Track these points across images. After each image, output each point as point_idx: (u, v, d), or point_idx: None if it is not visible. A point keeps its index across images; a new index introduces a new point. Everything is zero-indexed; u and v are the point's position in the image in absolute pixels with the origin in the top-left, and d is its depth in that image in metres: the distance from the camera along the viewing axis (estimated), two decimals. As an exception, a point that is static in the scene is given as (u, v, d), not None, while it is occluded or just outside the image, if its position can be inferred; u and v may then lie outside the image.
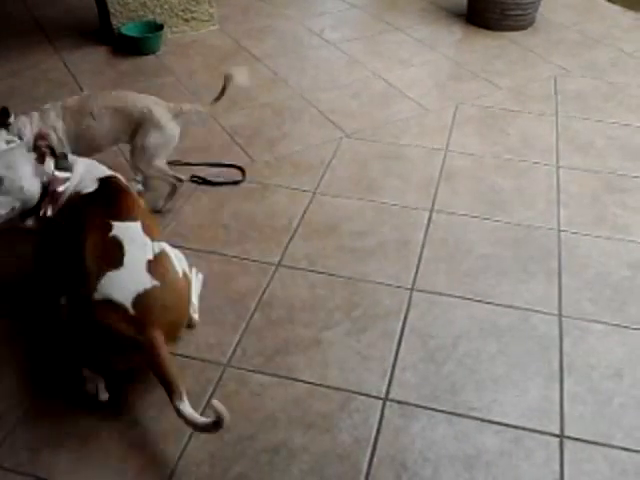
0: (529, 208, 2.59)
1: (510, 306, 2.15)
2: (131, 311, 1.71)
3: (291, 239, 2.45)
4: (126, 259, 1.79)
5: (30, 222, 2.03)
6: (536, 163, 2.86)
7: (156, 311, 1.74)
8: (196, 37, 4.08)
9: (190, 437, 1.76)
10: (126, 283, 1.75)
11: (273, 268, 2.32)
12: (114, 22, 3.93)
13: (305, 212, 2.59)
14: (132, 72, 3.68)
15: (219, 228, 2.51)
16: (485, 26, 4.12)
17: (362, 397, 1.87)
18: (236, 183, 2.76)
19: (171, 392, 1.63)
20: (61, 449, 1.75)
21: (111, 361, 1.80)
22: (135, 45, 3.85)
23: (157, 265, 1.82)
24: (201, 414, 1.70)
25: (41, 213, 1.98)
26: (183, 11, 4.04)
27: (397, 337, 2.05)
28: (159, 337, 1.70)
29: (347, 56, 3.84)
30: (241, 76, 2.58)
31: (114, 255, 1.80)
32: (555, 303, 2.16)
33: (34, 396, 1.89)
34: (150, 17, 3.98)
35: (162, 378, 1.66)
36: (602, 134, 3.06)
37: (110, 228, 1.87)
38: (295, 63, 3.77)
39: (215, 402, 1.56)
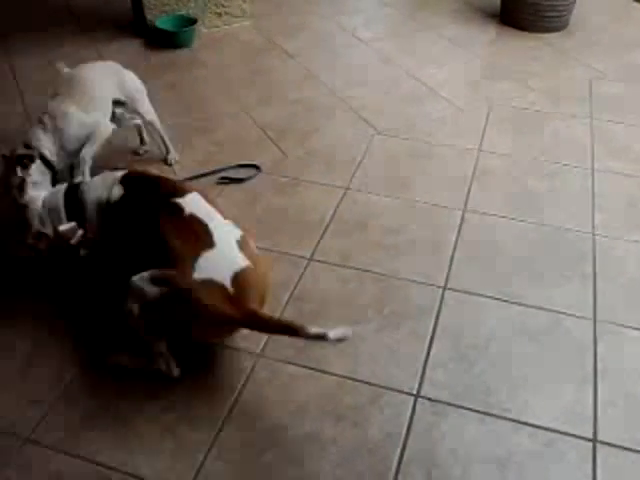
0: (563, 210, 2.57)
1: (543, 308, 2.14)
2: (230, 290, 1.75)
3: (323, 234, 2.46)
4: (216, 238, 1.83)
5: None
6: (570, 166, 2.84)
7: (251, 290, 1.79)
8: (229, 32, 4.09)
9: (223, 424, 1.77)
10: (223, 263, 1.79)
11: (305, 262, 2.33)
12: (148, 15, 3.96)
13: (337, 208, 2.60)
14: (165, 65, 3.71)
15: (252, 222, 2.52)
16: (519, 27, 4.09)
17: (393, 392, 1.86)
18: (242, 180, 2.74)
19: (296, 333, 1.66)
20: (98, 429, 1.77)
21: (206, 337, 1.87)
22: (169, 38, 3.87)
23: (244, 244, 1.87)
24: (233, 405, 1.71)
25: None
26: (216, 6, 4.06)
27: (429, 335, 2.04)
28: (256, 310, 1.78)
29: (379, 54, 3.83)
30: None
31: (199, 237, 1.84)
32: (589, 307, 2.14)
33: (73, 377, 1.91)
34: (184, 11, 4.00)
35: (280, 332, 1.72)
36: (638, 138, 3.03)
37: (180, 208, 1.91)
38: (327, 60, 3.77)
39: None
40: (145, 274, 1.80)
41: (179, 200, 1.93)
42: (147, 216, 1.93)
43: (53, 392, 1.88)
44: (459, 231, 2.47)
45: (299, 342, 2.01)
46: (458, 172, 2.80)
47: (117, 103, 2.62)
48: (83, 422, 1.79)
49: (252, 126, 3.14)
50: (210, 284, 1.75)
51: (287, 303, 2.15)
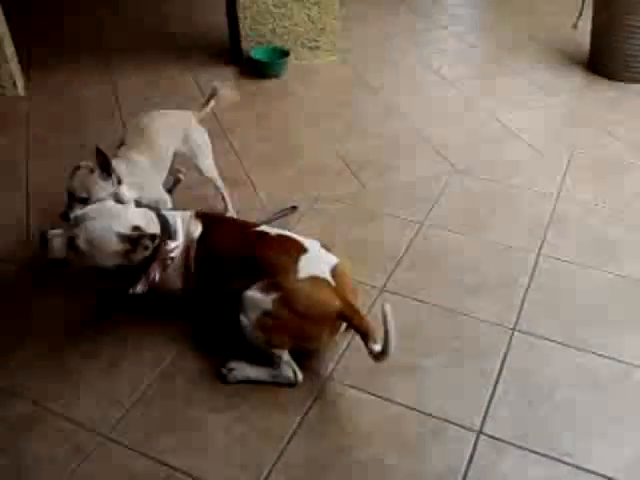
0: (640, 262, 2.56)
1: (613, 358, 2.13)
2: (332, 283, 1.98)
3: (396, 266, 2.53)
4: (306, 245, 2.09)
5: (139, 288, 2.11)
6: (650, 218, 2.82)
7: (347, 281, 2.05)
8: (318, 65, 4.26)
9: (290, 439, 1.86)
10: (319, 261, 2.05)
11: (377, 292, 2.40)
12: (244, 45, 4.17)
13: (412, 242, 2.66)
14: (256, 94, 3.89)
15: (328, 248, 2.62)
16: (607, 75, 4.08)
17: (456, 427, 1.90)
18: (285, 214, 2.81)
19: (368, 338, 1.87)
20: (171, 433, 1.88)
21: (321, 334, 2.00)
22: (261, 68, 4.06)
23: (325, 248, 2.15)
24: (300, 423, 1.79)
25: (151, 278, 2.10)
26: (308, 40, 4.24)
27: (495, 374, 2.07)
28: (355, 301, 2.02)
29: (462, 94, 3.90)
30: (226, 90, 2.82)
31: (292, 246, 2.08)
32: (661, 360, 2.13)
33: (151, 382, 2.04)
34: (277, 43, 4.19)
35: (364, 332, 1.90)
36: None
37: (266, 232, 2.16)
38: (411, 97, 3.87)
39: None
40: (254, 287, 1.98)
41: (261, 229, 2.18)
42: (236, 243, 2.11)
43: (133, 394, 2.01)
44: (532, 274, 2.49)
45: (367, 369, 2.07)
46: (535, 216, 2.82)
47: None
48: (158, 425, 1.91)
49: (334, 157, 3.26)
50: (315, 279, 1.98)
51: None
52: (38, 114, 3.71)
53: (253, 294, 1.97)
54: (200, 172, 2.75)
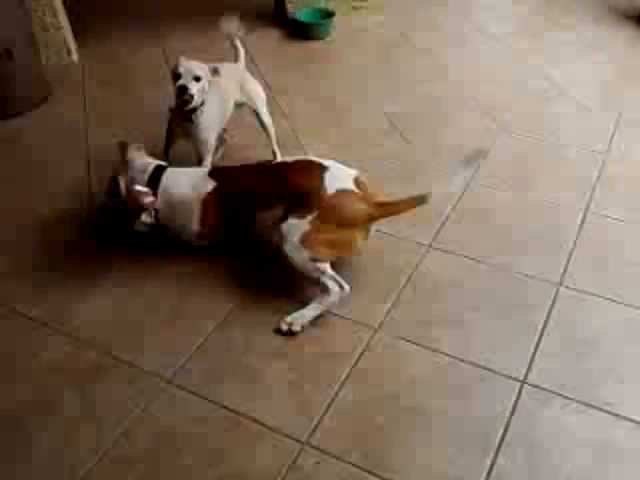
0: (689, 219, 2.56)
1: (659, 312, 2.17)
2: (358, 192, 2.19)
3: (443, 223, 2.58)
4: (325, 163, 2.26)
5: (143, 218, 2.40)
6: (701, 174, 2.80)
7: (369, 188, 2.23)
8: (363, 26, 4.26)
9: (341, 387, 1.96)
10: (342, 175, 2.23)
11: (425, 248, 2.47)
12: (289, 7, 4.19)
13: (459, 199, 2.71)
14: (302, 56, 3.93)
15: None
16: (660, 30, 4.00)
17: (501, 377, 1.97)
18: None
19: (423, 201, 2.17)
20: (230, 379, 2.00)
21: (355, 239, 2.20)
22: (307, 30, 4.09)
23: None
24: (350, 372, 1.89)
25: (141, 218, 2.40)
26: (354, 0, 4.24)
27: (540, 327, 2.13)
28: (383, 200, 2.22)
29: (509, 52, 3.87)
30: (230, 25, 2.87)
31: (314, 167, 2.25)
32: None
33: (211, 331, 2.16)
34: (323, 4, 4.20)
35: (410, 206, 2.19)
36: None
37: (284, 161, 2.34)
38: (457, 56, 3.86)
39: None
40: (290, 217, 2.18)
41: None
42: (256, 181, 2.31)
43: (193, 343, 2.13)
44: (579, 231, 2.52)
45: (414, 321, 2.15)
46: (583, 173, 2.83)
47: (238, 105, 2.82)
48: (217, 372, 2.04)
49: (380, 117, 3.30)
50: (343, 192, 2.17)
51: (406, 284, 2.31)
52: (91, 80, 3.83)
53: (290, 222, 2.17)
54: (260, 121, 2.90)
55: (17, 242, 2.62)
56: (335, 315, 2.20)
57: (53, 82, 3.79)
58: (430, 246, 2.48)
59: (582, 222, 2.56)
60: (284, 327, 2.14)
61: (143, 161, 2.49)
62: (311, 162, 2.28)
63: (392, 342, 2.10)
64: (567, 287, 2.27)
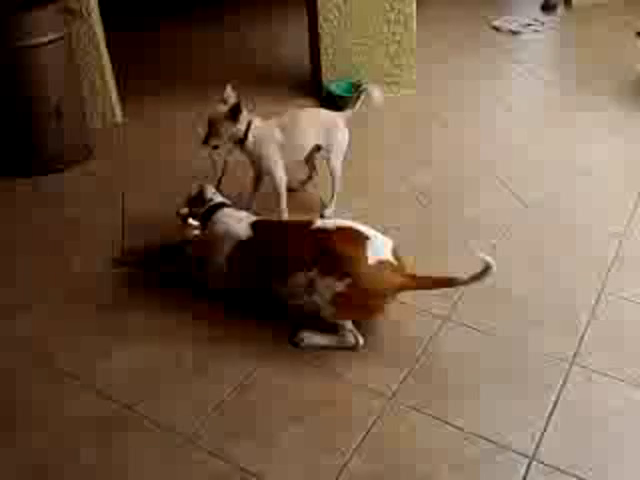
0: None
1: (670, 396, 2.20)
2: (395, 263, 2.35)
3: (460, 298, 2.66)
4: (367, 232, 2.40)
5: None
6: None
7: (403, 258, 2.41)
8: (394, 99, 4.43)
9: (353, 453, 2.02)
10: (381, 245, 2.38)
11: (441, 320, 2.54)
12: (323, 79, 4.40)
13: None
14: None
15: (396, 276, 2.77)
16: (683, 115, 4.09)
17: (509, 452, 2.02)
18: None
19: (452, 283, 2.34)
20: (247, 440, 2.07)
21: (383, 306, 2.38)
22: (340, 102, 4.27)
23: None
24: (363, 438, 1.95)
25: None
26: (387, 75, 4.43)
27: (552, 404, 2.17)
28: (412, 272, 2.39)
29: (535, 129, 3.99)
30: (376, 91, 3.23)
31: (357, 235, 2.40)
32: None
33: (233, 389, 2.25)
34: (356, 78, 4.40)
35: (439, 285, 2.39)
36: None
37: (325, 227, 2.47)
38: (483, 132, 3.99)
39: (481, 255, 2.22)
40: (326, 277, 2.31)
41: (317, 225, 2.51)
42: (295, 243, 2.47)
43: (212, 402, 2.22)
44: (594, 310, 2.57)
45: (427, 392, 2.21)
46: (600, 253, 2.89)
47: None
48: (234, 432, 2.11)
49: (404, 188, 3.42)
50: (382, 263, 2.32)
51: (421, 355, 2.38)
52: (134, 142, 4.04)
53: (327, 280, 2.31)
54: (328, 166, 3.19)
55: (50, 295, 2.77)
56: (351, 381, 2.27)
57: (96, 142, 4.00)
58: (447, 318, 2.56)
59: (597, 301, 2.61)
60: (295, 339, 2.42)
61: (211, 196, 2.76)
62: (355, 230, 2.43)
63: (405, 411, 2.16)
64: (580, 366, 2.32)
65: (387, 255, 2.34)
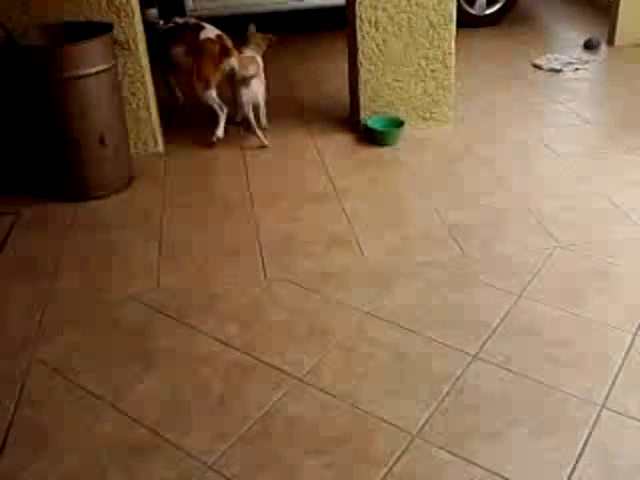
0: None
1: None
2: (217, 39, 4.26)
3: (490, 335, 2.63)
4: (203, 24, 4.44)
5: None
6: None
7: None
8: (431, 135, 4.46)
9: (373, 490, 2.00)
10: (211, 31, 4.34)
11: (469, 358, 2.52)
12: (362, 114, 4.45)
13: (508, 312, 2.76)
14: (370, 160, 4.15)
15: (425, 311, 2.77)
16: None
17: (535, 496, 1.98)
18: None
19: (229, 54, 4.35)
20: (267, 472, 2.08)
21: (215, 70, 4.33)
22: (377, 137, 4.33)
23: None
24: (385, 476, 1.94)
25: None
26: (423, 111, 4.47)
27: (579, 448, 2.13)
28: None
29: (573, 169, 3.96)
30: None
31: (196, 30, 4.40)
32: None
33: (256, 420, 2.25)
34: (393, 113, 4.45)
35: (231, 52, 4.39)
36: None
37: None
38: (520, 170, 3.98)
39: None
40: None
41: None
42: None
43: (236, 432, 2.23)
44: (627, 354, 2.52)
45: (453, 431, 2.19)
46: (634, 296, 2.84)
47: None
48: (255, 463, 2.11)
49: (439, 224, 3.42)
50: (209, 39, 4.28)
51: (447, 393, 2.36)
52: (173, 171, 4.14)
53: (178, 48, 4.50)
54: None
55: (82, 319, 2.83)
56: (376, 416, 2.26)
57: (137, 169, 4.11)
58: (476, 356, 2.53)
59: (631, 344, 2.56)
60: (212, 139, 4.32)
61: None
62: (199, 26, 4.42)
63: (430, 450, 2.14)
64: (610, 409, 2.27)
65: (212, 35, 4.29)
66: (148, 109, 4.27)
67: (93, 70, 3.59)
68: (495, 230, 3.36)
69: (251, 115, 4.34)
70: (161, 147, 4.42)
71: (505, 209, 3.55)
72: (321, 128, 4.64)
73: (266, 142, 4.36)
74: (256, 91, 4.35)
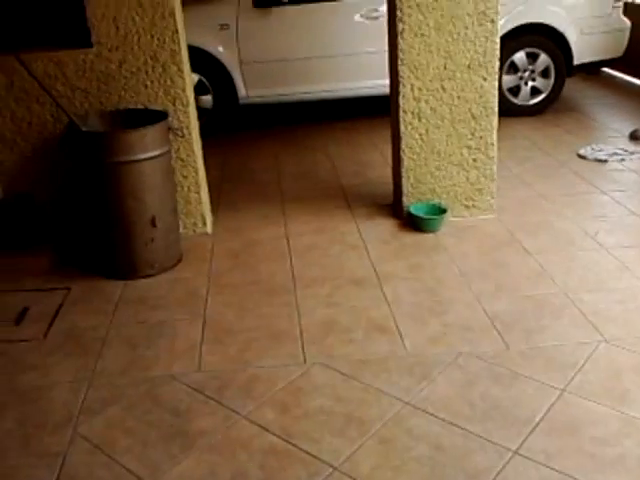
0: None
1: None
2: None
3: (532, 431, 2.58)
4: None
5: None
6: None
7: None
8: (473, 223, 4.50)
9: None
10: None
11: (510, 454, 2.46)
12: (405, 201, 4.54)
13: (550, 407, 2.71)
14: (413, 246, 4.19)
15: (465, 404, 2.73)
16: None
17: None
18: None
19: None
20: None
21: None
22: (420, 223, 4.39)
23: None
24: None
25: None
26: (466, 199, 4.53)
27: None
28: None
29: (619, 262, 3.92)
30: None
31: None
32: None
33: None
34: (436, 201, 4.52)
35: None
36: None
37: None
38: (564, 261, 3.96)
39: None
40: None
41: None
42: None
43: None
44: (676, 457, 2.43)
45: None
46: (684, 396, 2.76)
47: None
48: None
49: (481, 314, 3.41)
50: None
51: (486, 490, 2.30)
52: (219, 251, 4.26)
53: None
54: None
55: (124, 397, 2.88)
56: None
57: (185, 249, 4.24)
58: (517, 452, 2.48)
59: (680, 448, 2.47)
60: None
61: None
62: None
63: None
64: (659, 518, 2.18)
65: None
66: (198, 192, 4.45)
67: (148, 155, 3.79)
68: (538, 322, 3.33)
69: None
70: (209, 228, 4.56)
71: (548, 300, 3.52)
72: (364, 214, 4.73)
73: None
74: None
